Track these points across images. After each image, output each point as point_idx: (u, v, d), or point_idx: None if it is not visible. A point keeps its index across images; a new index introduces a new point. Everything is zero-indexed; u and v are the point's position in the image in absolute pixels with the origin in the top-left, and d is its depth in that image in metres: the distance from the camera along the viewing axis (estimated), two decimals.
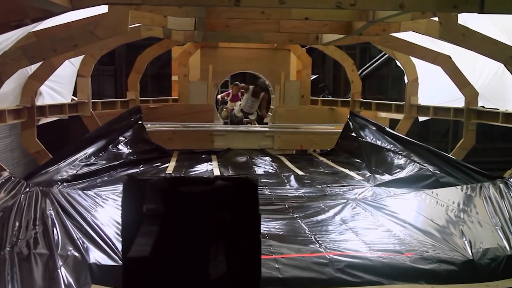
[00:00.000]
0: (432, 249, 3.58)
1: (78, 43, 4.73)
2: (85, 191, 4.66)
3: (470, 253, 3.44)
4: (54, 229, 3.45)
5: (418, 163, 6.14)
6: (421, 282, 3.20)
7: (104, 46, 6.94)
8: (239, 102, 10.99)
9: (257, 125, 10.02)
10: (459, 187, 5.04)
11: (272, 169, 6.96)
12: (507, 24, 5.56)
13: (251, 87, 10.32)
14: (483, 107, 6.88)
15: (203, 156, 7.88)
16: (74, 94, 7.69)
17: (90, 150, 6.40)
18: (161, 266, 1.34)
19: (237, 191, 1.43)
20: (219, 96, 10.60)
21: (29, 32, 5.30)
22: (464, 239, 3.70)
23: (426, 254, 3.48)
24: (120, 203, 1.55)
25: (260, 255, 1.46)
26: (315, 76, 12.64)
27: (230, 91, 11.28)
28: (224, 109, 10.40)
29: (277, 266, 3.19)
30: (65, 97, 7.42)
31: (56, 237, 3.34)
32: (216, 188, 1.43)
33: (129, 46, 13.45)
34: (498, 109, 6.50)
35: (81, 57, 7.23)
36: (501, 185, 4.53)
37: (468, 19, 5.24)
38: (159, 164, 7.02)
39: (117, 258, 3.09)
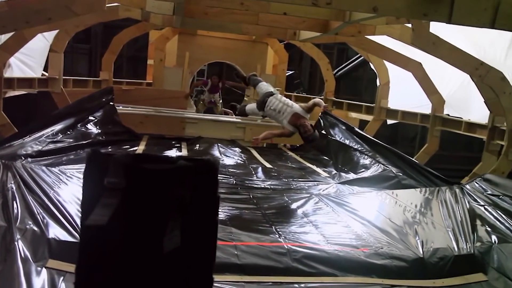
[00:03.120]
0: (387, 246, 3.72)
1: (52, 17, 4.63)
2: (49, 168, 4.58)
3: (421, 252, 3.61)
4: (14, 202, 3.40)
5: (383, 164, 6.31)
6: (372, 276, 3.33)
7: (80, 22, 6.82)
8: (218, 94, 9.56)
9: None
10: (418, 189, 5.24)
11: (241, 160, 7.02)
12: (475, 37, 5.78)
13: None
14: (448, 115, 7.14)
15: (173, 142, 7.86)
16: (45, 69, 7.53)
17: (57, 127, 6.27)
18: (117, 237, 1.38)
19: (198, 172, 1.49)
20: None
21: (1, 1, 5.15)
22: (417, 238, 3.87)
23: (380, 250, 3.62)
24: None
25: (216, 235, 1.53)
26: (290, 72, 12.76)
27: (208, 80, 9.83)
28: (201, 102, 9.30)
29: (236, 252, 3.26)
30: (35, 71, 7.26)
31: (15, 211, 3.29)
32: (177, 167, 1.49)
33: (106, 25, 13.24)
34: (461, 118, 6.76)
35: (55, 32, 7.08)
36: (457, 190, 4.76)
37: (440, 29, 5.42)
38: (128, 146, 6.96)
39: (77, 235, 3.09)
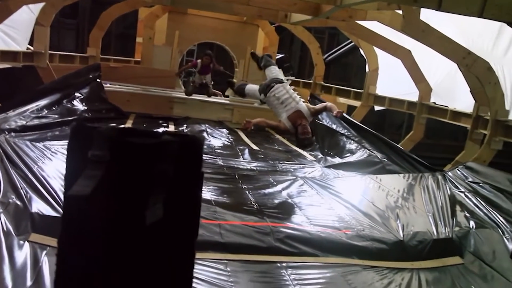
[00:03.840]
0: (368, 229, 3.80)
1: None
2: (33, 143, 4.54)
3: (401, 235, 3.69)
4: None
5: (368, 149, 6.38)
6: (353, 257, 3.41)
7: None
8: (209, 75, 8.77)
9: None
10: (401, 175, 5.33)
11: (228, 141, 7.04)
12: (464, 25, 5.81)
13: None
14: (435, 103, 7.20)
15: (161, 121, 7.82)
16: (31, 43, 7.38)
17: (42, 102, 6.19)
18: (100, 209, 1.39)
19: (182, 147, 1.50)
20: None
21: None
22: (398, 222, 3.95)
23: (362, 233, 3.69)
24: None
25: (199, 211, 1.55)
26: (281, 55, 12.69)
27: (197, 60, 8.88)
28: (191, 84, 8.51)
29: (219, 231, 3.30)
30: (20, 44, 7.10)
31: None
32: (162, 142, 1.50)
33: (94, 0, 12.99)
34: (447, 107, 6.84)
35: (41, 4, 6.92)
36: (439, 177, 4.85)
37: (431, 17, 5.44)
38: (115, 124, 6.92)
39: (60, 210, 3.09)
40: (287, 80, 5.85)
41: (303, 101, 5.59)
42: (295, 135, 5.38)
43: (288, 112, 5.34)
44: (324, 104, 5.78)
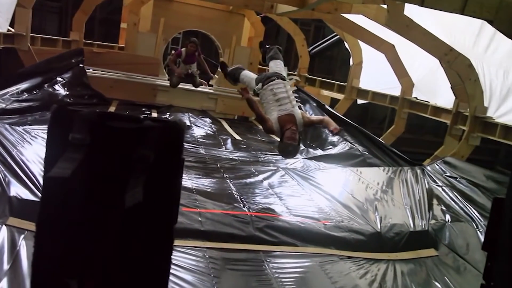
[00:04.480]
0: (347, 220, 3.87)
1: None
2: (13, 126, 4.46)
3: (379, 226, 3.77)
4: None
5: (350, 142, 6.45)
6: (331, 248, 3.47)
7: None
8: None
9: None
10: (381, 168, 5.41)
11: (211, 131, 7.03)
12: (448, 22, 5.88)
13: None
14: (416, 98, 7.30)
15: (143, 109, 7.76)
16: (12, 25, 7.20)
17: (23, 85, 6.07)
18: (79, 191, 1.39)
19: (163, 133, 1.51)
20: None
21: None
22: (376, 214, 4.02)
23: (340, 224, 3.76)
24: None
25: (179, 197, 1.56)
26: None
27: (182, 49, 8.10)
28: (176, 74, 7.83)
29: (200, 219, 3.32)
30: (1, 26, 6.93)
31: None
32: (143, 127, 1.50)
33: None
34: (428, 102, 6.94)
35: None
36: (418, 171, 4.94)
37: (415, 13, 5.49)
38: (97, 110, 6.83)
39: (39, 194, 3.06)
40: (290, 79, 5.32)
41: (300, 107, 5.06)
42: (280, 139, 4.74)
43: (280, 112, 4.73)
44: (321, 117, 5.34)
